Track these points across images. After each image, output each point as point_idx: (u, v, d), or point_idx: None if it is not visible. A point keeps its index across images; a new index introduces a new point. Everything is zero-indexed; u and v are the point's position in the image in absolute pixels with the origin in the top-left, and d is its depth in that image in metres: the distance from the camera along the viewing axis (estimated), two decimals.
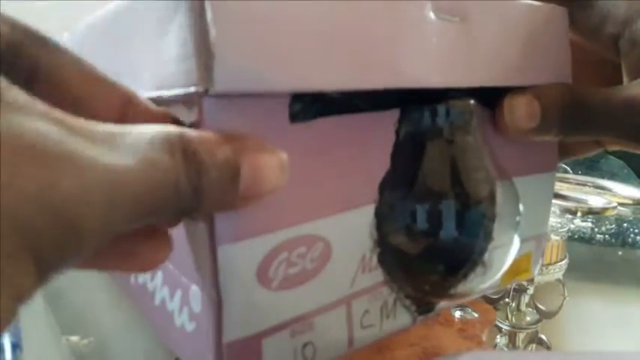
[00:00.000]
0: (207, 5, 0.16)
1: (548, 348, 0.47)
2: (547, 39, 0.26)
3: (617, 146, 0.30)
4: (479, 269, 0.25)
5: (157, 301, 0.23)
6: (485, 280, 0.26)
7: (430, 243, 0.24)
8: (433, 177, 0.24)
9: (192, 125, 0.18)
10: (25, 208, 0.11)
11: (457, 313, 0.51)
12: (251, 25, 0.17)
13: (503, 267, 0.26)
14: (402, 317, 0.24)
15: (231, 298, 0.18)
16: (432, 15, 0.21)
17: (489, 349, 0.47)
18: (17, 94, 0.12)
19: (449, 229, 0.24)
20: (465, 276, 0.25)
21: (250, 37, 0.17)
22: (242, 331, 0.19)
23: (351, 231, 0.21)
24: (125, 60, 0.21)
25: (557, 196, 0.54)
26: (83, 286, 0.40)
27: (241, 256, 0.18)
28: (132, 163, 0.13)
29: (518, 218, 0.26)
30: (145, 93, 0.18)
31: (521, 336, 0.48)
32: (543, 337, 0.48)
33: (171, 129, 0.15)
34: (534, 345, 0.48)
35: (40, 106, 0.12)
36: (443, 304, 0.26)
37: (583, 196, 0.57)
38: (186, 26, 0.17)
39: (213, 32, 0.16)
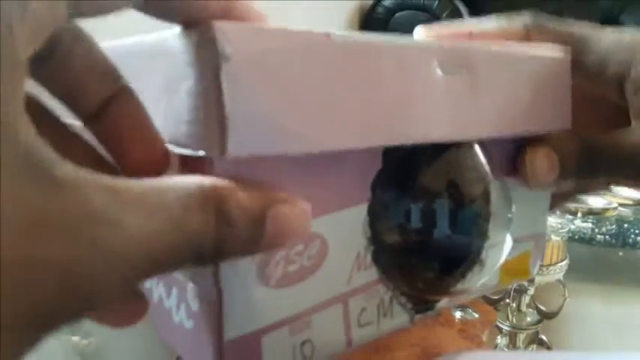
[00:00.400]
0: (223, 76, 0.16)
1: (549, 348, 0.47)
2: (550, 84, 0.25)
3: (627, 186, 0.30)
4: (476, 268, 0.25)
5: (155, 299, 0.23)
6: (481, 278, 0.26)
7: (423, 241, 0.24)
8: (427, 176, 0.24)
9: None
10: (44, 284, 0.12)
11: (457, 314, 0.51)
12: (263, 94, 0.17)
13: (497, 265, 0.26)
14: (400, 315, 0.24)
15: (231, 295, 0.19)
16: (439, 71, 0.21)
17: (490, 349, 0.47)
18: (67, 170, 0.13)
19: (442, 228, 0.24)
20: (463, 275, 0.25)
21: (263, 105, 0.17)
22: (242, 328, 0.19)
23: (346, 229, 0.22)
24: None
25: None
26: None
27: None
28: (158, 226, 0.14)
29: (510, 215, 0.27)
30: None
31: (521, 336, 0.48)
32: (544, 337, 0.48)
33: (206, 182, 0.15)
34: (535, 345, 0.48)
35: (87, 176, 0.13)
36: (442, 302, 0.26)
37: (583, 197, 0.57)
38: (196, 93, 0.17)
39: (228, 103, 0.16)
